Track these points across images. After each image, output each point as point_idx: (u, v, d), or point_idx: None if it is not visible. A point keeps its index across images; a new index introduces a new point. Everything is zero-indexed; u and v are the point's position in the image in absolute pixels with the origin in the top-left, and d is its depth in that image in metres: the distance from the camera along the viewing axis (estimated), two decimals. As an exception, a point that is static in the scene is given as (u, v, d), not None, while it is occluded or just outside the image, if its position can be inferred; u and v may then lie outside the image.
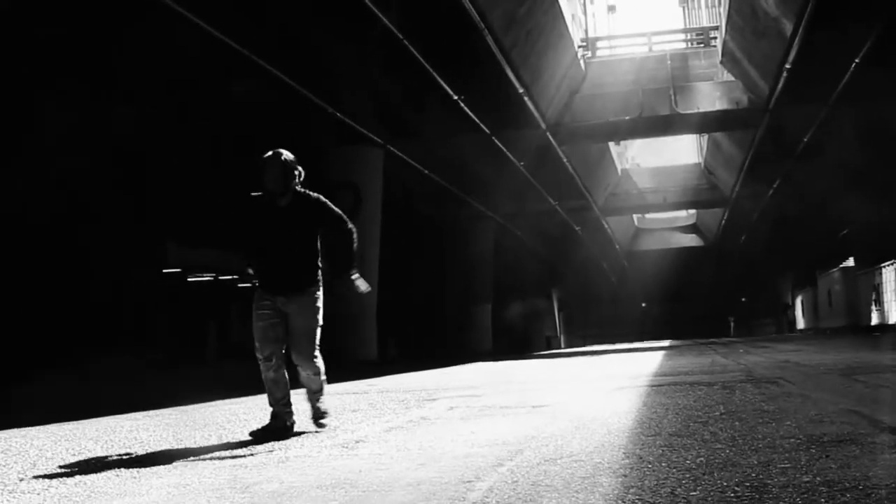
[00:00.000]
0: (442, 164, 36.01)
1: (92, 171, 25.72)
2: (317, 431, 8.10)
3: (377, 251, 31.56)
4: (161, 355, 29.96)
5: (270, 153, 7.98)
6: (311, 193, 8.14)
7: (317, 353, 8.02)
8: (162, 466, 6.45)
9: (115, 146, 26.25)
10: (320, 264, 8.13)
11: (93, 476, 6.15)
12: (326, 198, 8.20)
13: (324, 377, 8.16)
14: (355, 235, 8.19)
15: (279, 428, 7.88)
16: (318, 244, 8.16)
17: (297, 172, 8.01)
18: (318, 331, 8.04)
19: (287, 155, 8.00)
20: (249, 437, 7.76)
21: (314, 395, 8.22)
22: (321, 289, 8.11)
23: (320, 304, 8.07)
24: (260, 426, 8.06)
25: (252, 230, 8.10)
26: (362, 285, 8.15)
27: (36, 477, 6.23)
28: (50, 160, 24.21)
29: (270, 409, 8.03)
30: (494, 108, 29.98)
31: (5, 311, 23.42)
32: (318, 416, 8.23)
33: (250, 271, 8.15)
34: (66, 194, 24.95)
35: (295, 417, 8.07)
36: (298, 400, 8.14)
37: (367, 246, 31.05)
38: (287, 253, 7.98)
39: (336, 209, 8.14)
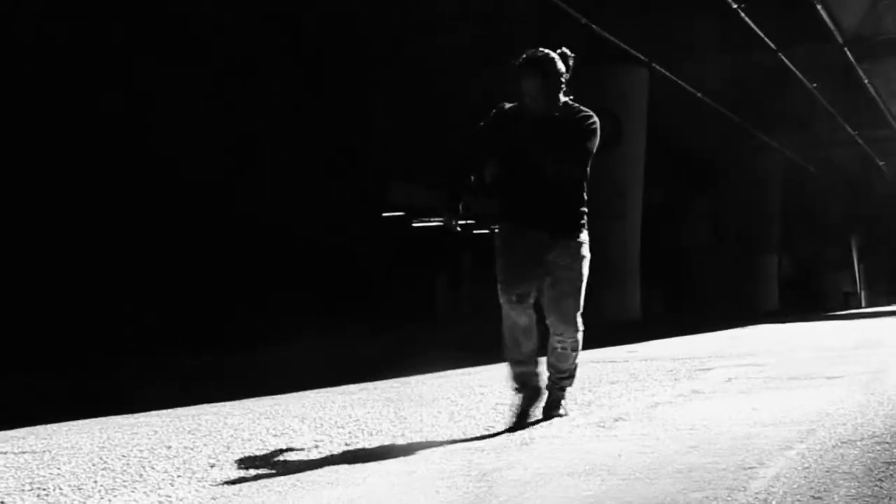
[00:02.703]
0: (718, 87, 35.44)
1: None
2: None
3: (640, 191, 31.38)
4: (380, 315, 30.29)
5: (527, 55, 7.09)
6: (580, 108, 7.20)
7: (580, 321, 7.22)
8: (381, 449, 6.47)
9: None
10: (585, 208, 7.28)
11: (298, 461, 6.18)
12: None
13: (577, 361, 7.38)
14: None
15: (534, 397, 7.22)
16: (587, 177, 7.27)
17: (563, 77, 7.12)
18: (584, 290, 7.22)
19: (549, 55, 7.07)
20: (513, 424, 7.09)
21: (560, 380, 7.39)
22: (584, 233, 7.28)
23: (587, 252, 7.24)
24: (514, 411, 7.25)
25: (503, 149, 7.20)
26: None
27: (230, 462, 6.21)
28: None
29: (512, 378, 7.25)
30: (780, 18, 29.29)
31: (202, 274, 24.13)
32: (553, 404, 7.37)
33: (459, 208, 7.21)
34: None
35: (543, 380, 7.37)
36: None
37: (630, 182, 30.84)
38: (546, 180, 7.05)
39: (588, 138, 7.11)
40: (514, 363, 7.24)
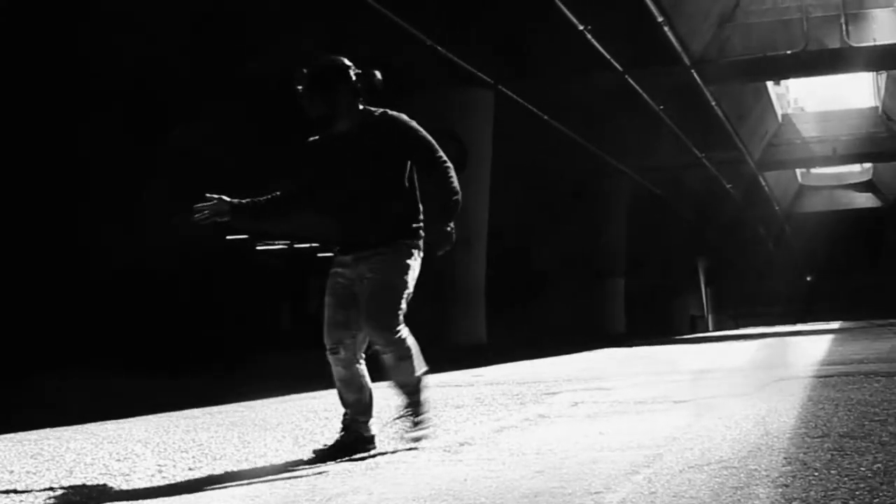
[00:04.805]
0: (565, 109, 35.77)
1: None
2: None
3: (485, 215, 31.46)
4: (224, 340, 30.06)
5: (303, 69, 6.96)
6: (378, 111, 7.05)
7: (400, 326, 6.89)
8: (225, 474, 6.49)
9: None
10: (418, 214, 7.08)
11: (141, 486, 6.17)
12: None
13: (419, 367, 7.06)
14: (452, 177, 7.05)
15: (350, 443, 6.95)
16: (409, 182, 7.04)
17: (343, 83, 6.91)
18: (404, 295, 6.94)
19: (326, 64, 6.99)
20: (313, 455, 6.93)
21: (405, 395, 7.11)
22: (416, 248, 7.03)
23: (411, 262, 6.98)
24: (327, 443, 7.13)
25: (314, 176, 7.11)
26: (443, 245, 7.04)
27: (73, 486, 6.23)
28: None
29: (341, 418, 7.13)
30: (628, 41, 29.68)
31: (34, 299, 23.79)
32: (413, 426, 7.13)
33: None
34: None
35: (375, 430, 7.15)
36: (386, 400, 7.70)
37: (474, 207, 30.88)
38: (352, 195, 6.96)
39: (423, 134, 7.01)
40: (344, 405, 7.11)
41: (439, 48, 26.17)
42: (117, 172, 25.59)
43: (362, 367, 7.05)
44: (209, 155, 28.47)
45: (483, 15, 26.99)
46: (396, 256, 6.94)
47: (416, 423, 7.13)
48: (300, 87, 6.93)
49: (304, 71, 6.94)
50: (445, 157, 7.06)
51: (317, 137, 7.22)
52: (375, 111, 7.07)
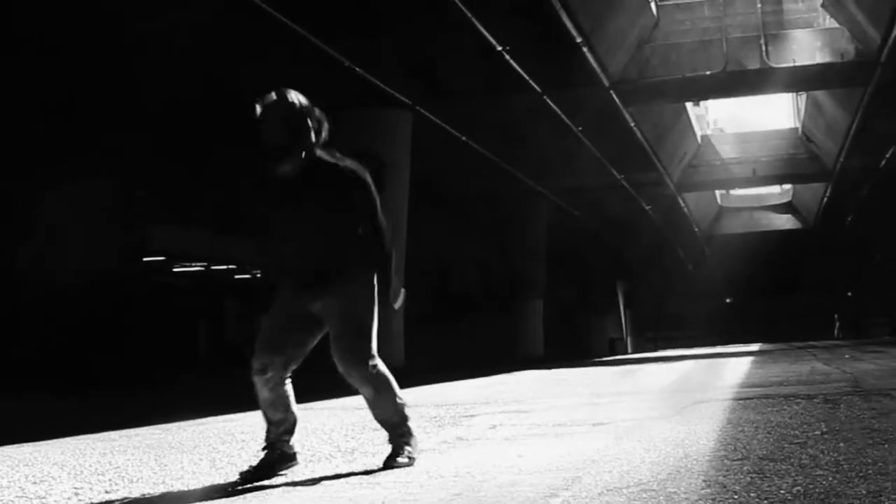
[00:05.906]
0: (483, 131, 35.84)
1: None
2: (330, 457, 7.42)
3: (404, 235, 31.45)
4: (140, 362, 29.89)
5: (270, 95, 6.74)
6: (330, 159, 6.92)
7: (374, 360, 6.94)
8: (142, 497, 6.43)
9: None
10: (366, 246, 7.03)
11: (58, 508, 6.07)
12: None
13: (401, 400, 7.17)
14: (386, 236, 7.11)
15: (275, 460, 6.95)
16: (357, 223, 7.02)
17: (311, 122, 6.76)
18: (373, 325, 6.96)
19: (295, 96, 6.76)
20: (239, 480, 6.81)
21: (389, 432, 7.22)
22: (370, 275, 7.03)
23: (369, 290, 6.98)
24: (251, 465, 7.01)
25: (269, 207, 7.00)
26: (397, 300, 7.17)
27: None
28: None
29: (264, 438, 7.05)
30: (547, 61, 29.78)
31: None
32: (394, 452, 7.16)
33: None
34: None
35: (298, 447, 7.17)
36: (310, 418, 7.74)
37: (391, 229, 30.72)
38: (304, 241, 6.89)
39: (370, 193, 7.01)
40: (267, 427, 7.00)
41: (357, 69, 26.16)
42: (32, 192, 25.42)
43: (288, 388, 6.97)
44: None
45: (400, 35, 27.01)
46: (356, 288, 6.94)
47: (397, 450, 7.14)
48: (262, 113, 6.71)
49: (272, 97, 6.74)
50: (382, 219, 7.06)
51: (276, 168, 6.86)
52: (330, 155, 6.96)
